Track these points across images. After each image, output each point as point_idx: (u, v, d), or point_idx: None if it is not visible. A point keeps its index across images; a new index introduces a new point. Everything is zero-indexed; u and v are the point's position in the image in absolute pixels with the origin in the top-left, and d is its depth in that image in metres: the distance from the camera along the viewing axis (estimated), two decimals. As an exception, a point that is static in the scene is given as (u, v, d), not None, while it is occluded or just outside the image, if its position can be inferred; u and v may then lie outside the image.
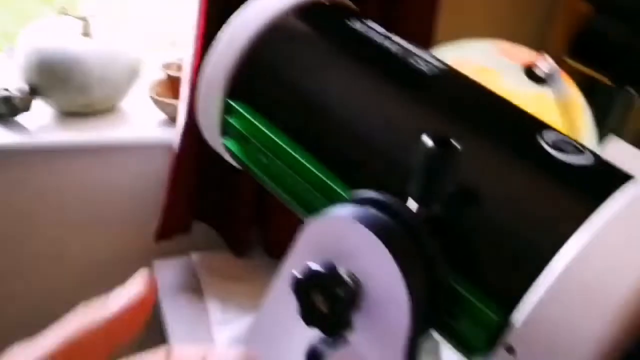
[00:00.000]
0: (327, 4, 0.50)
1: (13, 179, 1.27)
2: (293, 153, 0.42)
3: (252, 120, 0.45)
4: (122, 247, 1.40)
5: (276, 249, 1.37)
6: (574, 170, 0.36)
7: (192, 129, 1.19)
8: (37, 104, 1.28)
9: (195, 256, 1.36)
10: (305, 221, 0.36)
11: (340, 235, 0.34)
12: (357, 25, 0.47)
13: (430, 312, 0.34)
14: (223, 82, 0.47)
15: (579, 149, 0.38)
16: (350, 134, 0.41)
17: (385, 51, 0.44)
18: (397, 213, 0.34)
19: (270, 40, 0.47)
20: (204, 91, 0.49)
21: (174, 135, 1.25)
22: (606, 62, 0.79)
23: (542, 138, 0.38)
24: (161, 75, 1.41)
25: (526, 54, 0.78)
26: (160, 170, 1.31)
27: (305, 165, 0.42)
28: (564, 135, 0.39)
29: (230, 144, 0.48)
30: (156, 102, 1.37)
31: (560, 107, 0.73)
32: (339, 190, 0.40)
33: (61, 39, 1.24)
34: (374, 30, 0.47)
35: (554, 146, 0.37)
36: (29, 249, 1.35)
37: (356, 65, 0.44)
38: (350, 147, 0.40)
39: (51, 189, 1.30)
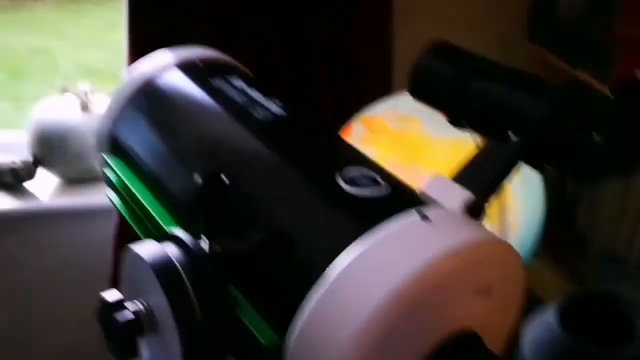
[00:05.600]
0: (201, 65, 0.54)
1: (21, 242, 1.36)
2: (145, 204, 0.46)
3: (115, 169, 0.50)
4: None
5: None
6: (357, 200, 0.38)
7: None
8: (43, 173, 1.37)
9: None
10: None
11: (135, 267, 0.37)
12: (219, 83, 0.52)
13: (217, 341, 0.36)
14: (103, 140, 0.53)
15: (377, 181, 0.40)
16: (173, 171, 0.45)
17: (230, 100, 0.48)
18: (187, 249, 0.37)
19: (141, 99, 0.52)
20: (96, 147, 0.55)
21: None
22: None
23: (341, 174, 0.40)
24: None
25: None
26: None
27: (144, 206, 0.45)
28: (371, 169, 0.41)
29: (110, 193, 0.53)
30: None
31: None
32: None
33: (61, 114, 1.34)
34: (232, 85, 0.51)
35: (349, 181, 0.39)
36: (46, 311, 1.42)
37: (197, 114, 0.48)
38: (173, 190, 0.45)
39: (51, 252, 1.38)
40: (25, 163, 1.33)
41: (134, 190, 0.47)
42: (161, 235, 0.39)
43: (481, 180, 0.40)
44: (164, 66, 0.53)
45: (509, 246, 0.38)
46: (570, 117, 0.38)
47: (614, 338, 0.23)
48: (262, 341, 0.35)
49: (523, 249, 0.89)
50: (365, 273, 0.33)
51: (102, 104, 1.40)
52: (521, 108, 0.40)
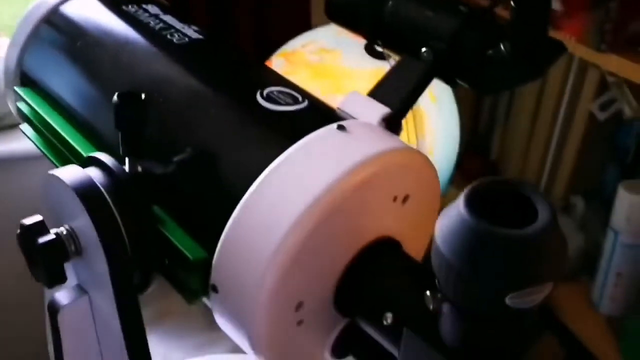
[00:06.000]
0: None
1: None
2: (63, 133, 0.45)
3: (29, 100, 0.48)
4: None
5: None
6: (277, 116, 0.39)
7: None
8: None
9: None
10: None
11: (57, 192, 0.37)
12: (132, 8, 0.50)
13: (144, 260, 0.37)
14: (15, 74, 0.51)
15: (297, 99, 0.41)
16: (91, 98, 0.44)
17: (145, 27, 0.47)
18: (106, 169, 0.37)
19: (49, 28, 0.50)
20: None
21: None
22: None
23: (261, 93, 0.40)
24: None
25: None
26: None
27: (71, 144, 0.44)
28: (290, 89, 0.42)
29: (25, 128, 0.51)
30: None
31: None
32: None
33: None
34: (146, 10, 0.50)
35: (268, 98, 0.40)
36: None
37: (112, 40, 0.47)
38: (95, 111, 0.44)
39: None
40: None
41: (50, 120, 0.46)
42: (83, 161, 0.39)
43: (397, 95, 0.41)
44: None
45: (425, 157, 0.40)
46: (476, 32, 0.40)
47: (518, 221, 0.25)
48: (190, 256, 0.35)
49: (440, 177, 0.92)
50: (284, 184, 0.34)
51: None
52: (433, 24, 0.41)
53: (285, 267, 0.33)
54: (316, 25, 1.02)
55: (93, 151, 0.43)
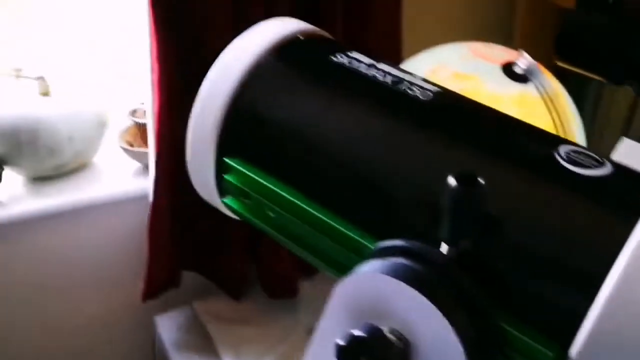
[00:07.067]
0: (303, 38, 0.48)
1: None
2: (303, 205, 0.40)
3: (252, 175, 0.43)
4: (119, 307, 1.36)
5: (275, 289, 1.33)
6: (599, 184, 0.34)
7: (164, 177, 1.16)
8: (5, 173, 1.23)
9: (197, 304, 1.32)
10: (334, 280, 0.35)
11: (375, 292, 0.32)
12: (342, 59, 0.45)
13: (483, 356, 0.32)
14: (212, 141, 0.45)
15: (597, 159, 0.36)
16: (361, 179, 0.39)
17: (377, 83, 0.42)
18: (426, 258, 0.32)
19: (255, 87, 0.45)
20: (193, 152, 0.47)
21: (148, 185, 1.22)
22: (596, 61, 0.77)
23: (559, 154, 0.36)
24: (129, 122, 1.38)
25: (500, 52, 0.77)
26: (144, 222, 1.27)
27: (318, 216, 0.40)
28: (577, 146, 0.38)
29: (232, 201, 0.46)
30: (127, 151, 1.34)
31: (546, 102, 0.72)
32: (358, 239, 0.38)
33: (22, 102, 1.20)
34: (359, 61, 0.45)
35: (572, 161, 0.36)
36: (17, 322, 1.30)
37: (352, 104, 0.42)
38: (364, 194, 0.39)
39: (35, 258, 1.26)
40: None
41: (291, 197, 0.40)
42: (378, 252, 0.35)
43: None
44: (273, 43, 0.46)
45: None
46: None
47: None
48: (549, 353, 0.31)
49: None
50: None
51: (63, 86, 1.27)
52: None
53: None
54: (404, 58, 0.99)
55: (364, 237, 0.38)
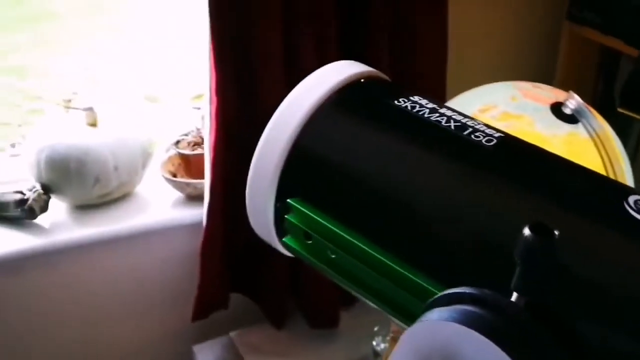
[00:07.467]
0: (364, 82, 0.49)
1: (38, 280, 1.25)
2: (366, 248, 0.41)
3: (315, 216, 0.44)
4: (157, 335, 1.37)
5: (316, 318, 1.34)
6: None
7: (218, 205, 1.19)
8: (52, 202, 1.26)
9: (234, 334, 1.32)
10: (403, 326, 0.35)
11: (445, 341, 0.32)
12: (405, 103, 0.46)
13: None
14: (273, 181, 0.46)
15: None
16: (426, 225, 0.39)
17: (441, 129, 0.43)
18: (500, 307, 0.32)
19: (319, 129, 0.46)
20: (253, 192, 0.48)
21: (196, 213, 1.24)
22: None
23: (628, 204, 0.36)
24: (172, 152, 1.40)
25: (548, 93, 0.77)
26: (183, 251, 1.29)
27: (381, 259, 0.40)
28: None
29: (291, 241, 0.47)
30: (169, 181, 1.36)
31: (595, 143, 0.72)
32: (422, 283, 0.38)
33: (71, 132, 1.23)
34: (421, 105, 0.46)
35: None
36: (60, 349, 1.32)
37: (417, 151, 0.43)
38: (429, 240, 0.39)
39: (78, 286, 1.28)
40: (36, 192, 1.20)
41: (355, 241, 0.41)
42: (435, 299, 0.35)
43: None
44: (336, 86, 0.47)
45: None
46: None
47: None
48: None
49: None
50: None
51: (110, 116, 1.30)
52: None
53: None
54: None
55: (428, 282, 0.38)
